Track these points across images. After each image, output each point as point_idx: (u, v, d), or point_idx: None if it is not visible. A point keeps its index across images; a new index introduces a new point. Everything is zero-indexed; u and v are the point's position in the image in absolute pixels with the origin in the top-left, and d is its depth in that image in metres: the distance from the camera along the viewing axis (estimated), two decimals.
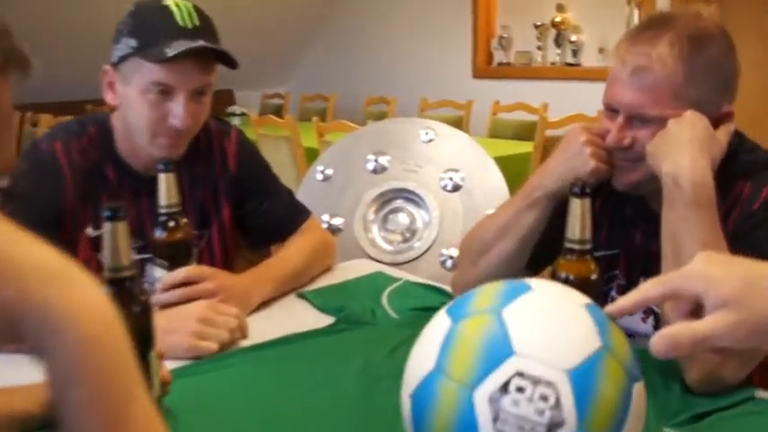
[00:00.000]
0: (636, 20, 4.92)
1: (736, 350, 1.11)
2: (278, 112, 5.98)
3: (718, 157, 1.22)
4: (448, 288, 1.53)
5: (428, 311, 1.42)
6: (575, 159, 1.30)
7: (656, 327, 1.36)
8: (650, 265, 1.35)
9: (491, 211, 2.31)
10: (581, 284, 1.08)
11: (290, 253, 1.62)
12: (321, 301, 1.51)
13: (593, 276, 1.10)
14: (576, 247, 1.09)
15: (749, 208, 1.24)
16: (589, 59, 5.30)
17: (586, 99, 4.81)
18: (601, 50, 5.21)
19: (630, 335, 1.38)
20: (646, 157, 1.24)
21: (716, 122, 1.24)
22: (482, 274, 1.40)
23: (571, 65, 5.37)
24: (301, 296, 1.55)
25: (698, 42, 1.22)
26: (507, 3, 5.78)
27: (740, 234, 1.20)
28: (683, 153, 1.17)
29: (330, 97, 6.22)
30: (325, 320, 1.43)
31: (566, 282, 1.10)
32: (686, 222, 1.15)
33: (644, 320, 1.38)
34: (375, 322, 1.41)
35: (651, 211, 1.35)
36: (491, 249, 1.39)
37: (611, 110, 1.29)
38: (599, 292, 1.13)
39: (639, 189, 1.32)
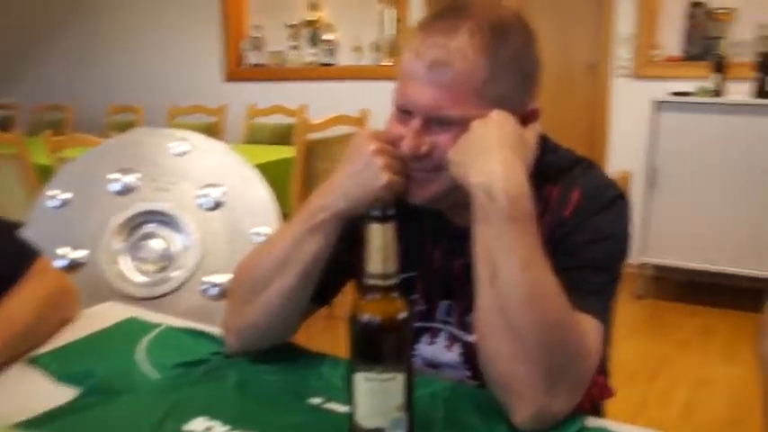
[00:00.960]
0: (389, 18, 4.91)
1: (565, 382, 0.99)
2: (6, 125, 5.33)
3: (531, 160, 1.07)
4: (217, 331, 1.28)
5: (196, 366, 1.18)
6: (364, 173, 1.09)
7: (464, 355, 1.20)
8: (452, 286, 1.21)
9: (259, 230, 2.13)
10: (389, 327, 0.90)
11: (16, 308, 1.28)
12: (58, 366, 1.20)
13: (403, 315, 0.90)
14: (380, 283, 0.89)
15: (560, 214, 1.13)
16: (345, 58, 5.22)
17: (344, 99, 4.75)
18: (356, 49, 5.15)
19: (435, 365, 1.23)
20: (447, 166, 1.07)
21: (522, 122, 1.10)
22: (261, 313, 1.17)
23: (327, 64, 5.27)
24: (34, 362, 1.23)
25: (500, 33, 1.07)
26: (258, 1, 5.55)
27: (554, 242, 1.06)
28: (494, 160, 1.01)
29: (67, 108, 5.65)
30: (65, 393, 1.12)
31: (369, 326, 0.89)
32: (503, 239, 0.99)
33: (449, 348, 1.22)
34: (132, 388, 1.12)
35: (451, 225, 1.20)
36: (270, 285, 1.15)
37: (403, 112, 1.10)
38: (410, 332, 0.94)
39: (440, 202, 1.15)
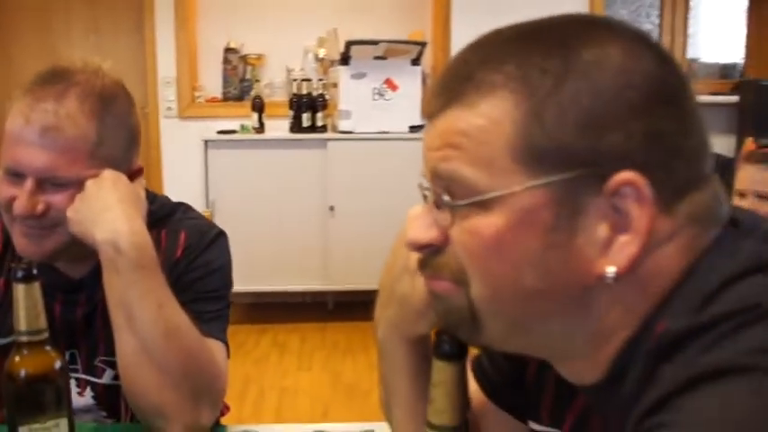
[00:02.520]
0: None
1: (207, 399, 1.14)
2: None
3: (145, 213, 1.21)
4: None
5: None
6: None
7: (96, 397, 1.29)
8: (75, 335, 1.29)
9: None
10: (49, 377, 0.98)
11: None
12: None
13: (58, 365, 0.98)
14: (33, 338, 0.96)
15: (172, 256, 1.26)
16: None
17: None
18: None
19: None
20: (64, 223, 1.16)
21: (130, 178, 1.22)
22: None
23: None
24: None
25: (106, 99, 1.18)
26: None
27: (172, 281, 1.19)
28: (116, 217, 1.13)
29: None
30: None
31: (29, 380, 0.95)
32: (135, 287, 1.12)
33: (80, 394, 1.30)
34: None
35: (67, 278, 1.28)
36: None
37: (14, 174, 1.16)
38: (67, 378, 1.03)
39: (57, 257, 1.23)
